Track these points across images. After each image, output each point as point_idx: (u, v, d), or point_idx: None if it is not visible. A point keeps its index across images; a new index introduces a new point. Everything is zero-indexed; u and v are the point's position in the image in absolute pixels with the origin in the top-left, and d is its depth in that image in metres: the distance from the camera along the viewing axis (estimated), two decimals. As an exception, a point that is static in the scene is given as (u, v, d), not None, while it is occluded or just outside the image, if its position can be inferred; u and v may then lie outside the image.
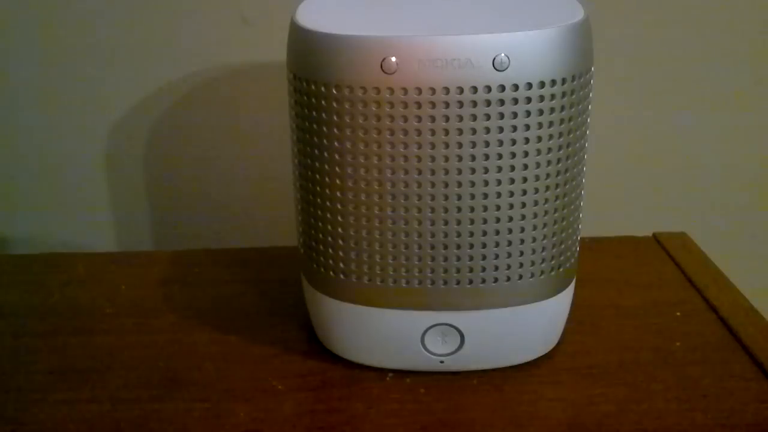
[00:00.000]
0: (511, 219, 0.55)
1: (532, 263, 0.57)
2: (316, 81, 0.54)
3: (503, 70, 0.51)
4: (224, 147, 0.89)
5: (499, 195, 0.54)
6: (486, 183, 0.54)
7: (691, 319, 0.69)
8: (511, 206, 0.54)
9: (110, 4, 0.83)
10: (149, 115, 0.88)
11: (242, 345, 0.66)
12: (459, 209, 0.54)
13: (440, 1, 0.60)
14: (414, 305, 0.58)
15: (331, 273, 0.59)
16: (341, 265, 0.58)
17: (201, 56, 0.85)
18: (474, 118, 0.52)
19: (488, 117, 0.52)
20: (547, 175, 0.55)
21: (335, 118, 0.53)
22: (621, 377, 0.61)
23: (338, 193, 0.56)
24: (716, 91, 0.90)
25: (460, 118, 0.52)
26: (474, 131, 0.52)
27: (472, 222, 0.55)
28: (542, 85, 0.52)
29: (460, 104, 0.51)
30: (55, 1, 0.83)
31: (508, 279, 0.57)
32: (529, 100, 0.52)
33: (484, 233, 0.55)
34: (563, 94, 0.53)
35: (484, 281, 0.57)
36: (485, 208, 0.54)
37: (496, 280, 0.57)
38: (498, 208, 0.54)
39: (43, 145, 0.89)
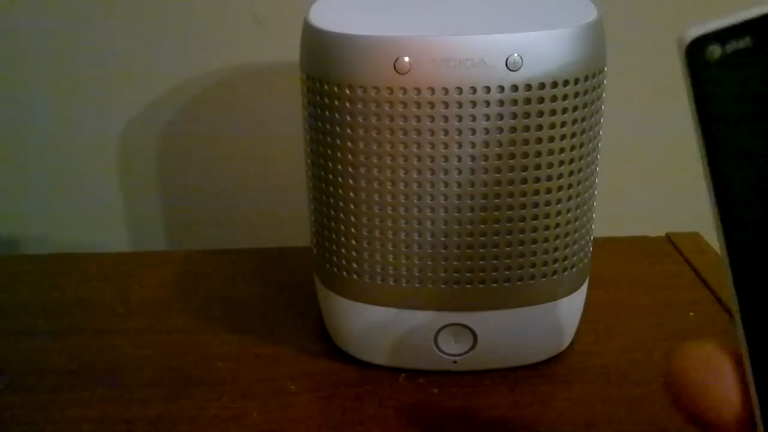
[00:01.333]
0: (523, 219, 0.55)
1: (545, 263, 0.57)
2: (329, 81, 0.54)
3: (516, 70, 0.51)
4: (237, 147, 0.89)
5: (511, 195, 0.54)
6: (499, 183, 0.53)
7: (704, 319, 0.69)
8: (524, 206, 0.54)
9: (123, 4, 0.83)
10: (161, 115, 0.88)
11: (255, 345, 0.66)
12: (472, 209, 0.54)
13: (453, 1, 0.60)
14: (427, 305, 0.58)
15: (344, 273, 0.59)
16: (354, 265, 0.58)
17: (214, 56, 0.85)
18: (487, 118, 0.52)
19: (501, 117, 0.52)
20: (560, 175, 0.54)
21: (348, 118, 0.53)
22: (634, 377, 0.61)
23: (351, 193, 0.56)
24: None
25: (473, 118, 0.52)
26: (487, 131, 0.52)
27: (484, 222, 0.55)
28: (555, 85, 0.52)
29: (473, 104, 0.51)
30: (68, 2, 0.83)
31: (521, 279, 0.57)
32: (542, 100, 0.52)
33: (497, 233, 0.55)
34: (576, 94, 0.53)
35: (496, 281, 0.57)
36: (498, 208, 0.54)
37: (508, 280, 0.57)
38: (511, 208, 0.54)
39: (56, 145, 0.89)
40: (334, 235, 0.58)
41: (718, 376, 0.30)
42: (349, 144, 0.54)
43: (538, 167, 0.54)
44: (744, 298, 0.29)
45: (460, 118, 0.52)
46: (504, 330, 0.59)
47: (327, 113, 0.55)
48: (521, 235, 0.55)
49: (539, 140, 0.53)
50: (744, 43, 0.29)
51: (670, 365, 0.31)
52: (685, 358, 0.31)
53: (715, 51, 0.30)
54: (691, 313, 0.69)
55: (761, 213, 0.29)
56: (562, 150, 0.54)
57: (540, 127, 0.52)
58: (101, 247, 0.93)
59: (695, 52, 0.30)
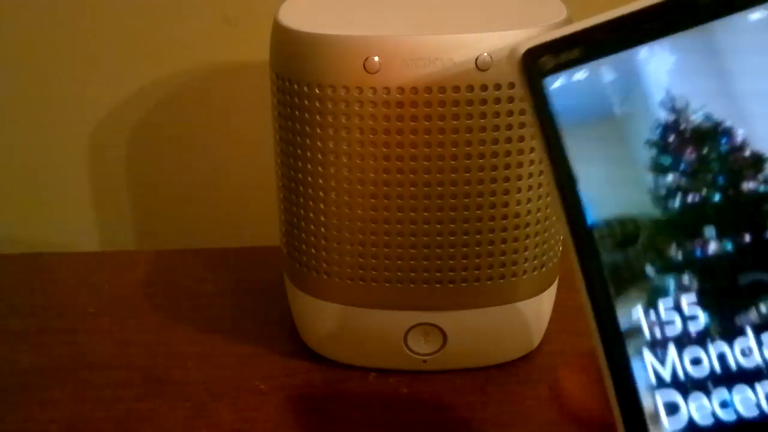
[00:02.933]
0: (493, 219, 0.55)
1: (515, 263, 0.57)
2: (299, 80, 0.54)
3: (485, 70, 0.51)
4: (206, 147, 0.89)
5: (480, 195, 0.54)
6: (468, 183, 0.54)
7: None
8: (493, 206, 0.55)
9: (92, 4, 0.83)
10: (131, 115, 0.87)
11: (225, 345, 0.66)
12: (441, 209, 0.54)
13: (423, 1, 0.60)
14: (397, 305, 0.58)
15: (314, 273, 0.59)
16: (324, 264, 0.58)
17: (183, 56, 0.85)
18: (456, 117, 0.52)
19: (470, 117, 0.52)
20: (530, 175, 0.55)
21: (318, 117, 0.53)
22: (603, 376, 0.61)
23: (321, 193, 0.56)
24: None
25: (443, 118, 0.52)
26: (456, 131, 0.52)
27: (454, 222, 0.55)
28: (525, 84, 0.52)
29: (443, 104, 0.51)
30: (36, 1, 0.83)
31: (491, 279, 0.57)
32: (511, 99, 0.52)
33: (466, 233, 0.55)
34: (546, 94, 0.53)
35: (466, 281, 0.57)
36: (467, 208, 0.54)
37: (478, 279, 0.57)
38: (480, 207, 0.54)
39: (25, 145, 0.89)
40: (303, 235, 0.58)
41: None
42: (318, 143, 0.54)
43: (507, 167, 0.54)
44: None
45: (429, 118, 0.52)
46: (474, 329, 0.59)
47: (297, 113, 0.55)
48: (491, 235, 0.56)
49: (509, 140, 0.53)
50: (574, 53, 0.34)
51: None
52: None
53: (548, 61, 0.34)
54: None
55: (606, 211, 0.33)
56: (531, 150, 0.54)
57: (510, 127, 0.53)
58: (71, 247, 0.92)
59: (530, 63, 0.34)
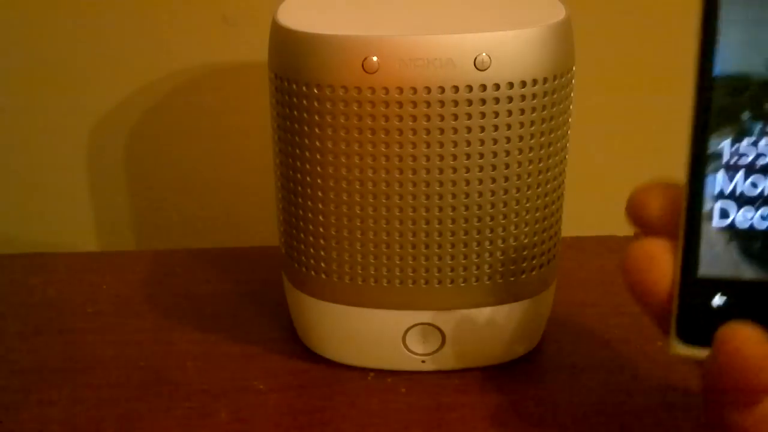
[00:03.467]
0: (492, 218, 0.55)
1: (514, 263, 0.57)
2: (298, 81, 0.54)
3: (484, 70, 0.51)
4: (205, 147, 0.89)
5: (480, 194, 0.54)
6: (467, 182, 0.54)
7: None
8: (492, 206, 0.55)
9: (90, 4, 0.83)
10: (130, 114, 0.87)
11: (224, 345, 0.66)
12: (440, 209, 0.54)
13: (422, 1, 0.60)
14: (395, 305, 0.58)
15: (313, 273, 0.59)
16: (322, 264, 0.58)
17: (181, 56, 0.85)
18: (455, 117, 0.52)
19: (469, 116, 0.52)
20: (528, 175, 0.55)
21: (316, 117, 0.53)
22: (603, 377, 0.61)
23: (319, 193, 0.56)
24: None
25: (442, 118, 0.52)
26: (455, 131, 0.52)
27: (453, 221, 0.55)
28: (523, 84, 0.52)
29: (442, 104, 0.51)
30: (35, 2, 0.83)
31: (490, 278, 0.57)
32: (510, 99, 0.52)
33: (466, 233, 0.55)
34: (544, 94, 0.53)
35: (465, 281, 0.57)
36: (466, 208, 0.54)
37: (477, 279, 0.57)
38: (479, 207, 0.54)
39: (23, 144, 0.89)
40: (302, 235, 0.58)
41: (654, 269, 0.43)
42: (317, 143, 0.54)
43: (506, 167, 0.54)
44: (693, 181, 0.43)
45: (428, 118, 0.52)
46: (472, 329, 0.59)
47: (295, 113, 0.55)
48: (490, 235, 0.56)
49: (508, 140, 0.53)
50: None
51: (625, 256, 0.44)
52: (635, 251, 0.43)
53: None
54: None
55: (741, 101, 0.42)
56: (530, 149, 0.54)
57: (508, 127, 0.53)
58: (70, 247, 0.92)
59: None
